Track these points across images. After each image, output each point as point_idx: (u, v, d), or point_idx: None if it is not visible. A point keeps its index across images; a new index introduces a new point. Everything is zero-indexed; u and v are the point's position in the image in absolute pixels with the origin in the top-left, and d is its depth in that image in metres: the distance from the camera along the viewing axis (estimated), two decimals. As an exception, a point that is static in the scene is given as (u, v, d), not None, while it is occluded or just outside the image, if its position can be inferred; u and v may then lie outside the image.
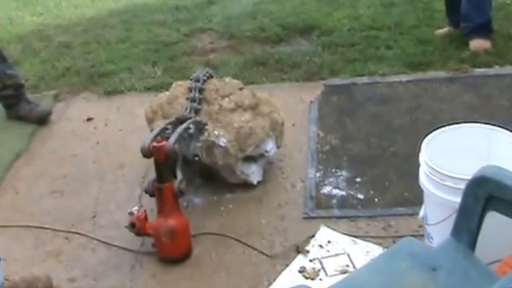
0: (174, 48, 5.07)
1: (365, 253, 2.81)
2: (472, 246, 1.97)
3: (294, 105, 4.03)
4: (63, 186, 3.57)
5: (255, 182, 3.32)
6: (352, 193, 3.21)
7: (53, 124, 4.20)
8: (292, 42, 4.98)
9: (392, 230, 2.93)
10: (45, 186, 3.56)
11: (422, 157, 2.46)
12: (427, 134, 2.54)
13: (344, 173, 3.37)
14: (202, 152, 3.13)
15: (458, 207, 2.00)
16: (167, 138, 2.86)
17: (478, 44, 4.38)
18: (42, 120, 4.18)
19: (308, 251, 2.85)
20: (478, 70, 4.20)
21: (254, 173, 3.31)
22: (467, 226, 1.96)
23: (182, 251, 2.92)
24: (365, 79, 4.26)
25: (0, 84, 4.11)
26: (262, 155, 3.33)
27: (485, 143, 2.54)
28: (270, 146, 3.33)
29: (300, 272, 2.74)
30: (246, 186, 3.31)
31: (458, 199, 2.00)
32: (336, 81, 4.29)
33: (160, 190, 2.86)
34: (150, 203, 3.02)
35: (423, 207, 2.56)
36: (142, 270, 2.90)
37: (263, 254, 2.88)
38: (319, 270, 2.74)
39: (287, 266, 2.79)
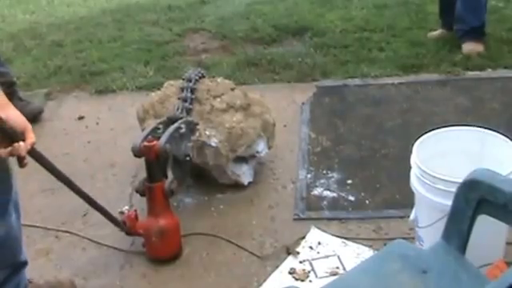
0: (166, 48, 5.07)
1: (355, 255, 2.80)
2: (463, 249, 1.97)
3: (285, 106, 4.03)
4: (54, 184, 3.49)
5: (246, 183, 3.31)
6: (343, 195, 3.21)
7: (45, 122, 4.18)
8: (284, 43, 4.99)
9: (383, 232, 2.93)
10: (36, 184, 3.53)
11: (414, 159, 2.46)
12: (419, 137, 2.55)
13: (335, 174, 3.36)
14: (193, 152, 3.12)
15: (448, 210, 2.00)
16: (158, 138, 2.85)
17: (470, 47, 4.39)
18: (34, 117, 4.15)
19: (298, 252, 2.84)
20: (471, 73, 4.21)
21: (244, 173, 3.31)
22: (458, 229, 1.96)
23: (172, 251, 2.91)
24: (357, 81, 4.27)
25: (-9, 81, 4.09)
26: (253, 156, 3.32)
27: (476, 146, 2.55)
28: (261, 147, 3.32)
29: (290, 273, 2.74)
30: (237, 186, 3.30)
31: (449, 202, 1.99)
32: (328, 82, 4.29)
33: (151, 189, 2.85)
34: (141, 203, 3.01)
35: (414, 210, 2.56)
36: (132, 270, 2.89)
37: (253, 254, 2.88)
38: (309, 272, 2.74)
39: (277, 267, 2.78)
